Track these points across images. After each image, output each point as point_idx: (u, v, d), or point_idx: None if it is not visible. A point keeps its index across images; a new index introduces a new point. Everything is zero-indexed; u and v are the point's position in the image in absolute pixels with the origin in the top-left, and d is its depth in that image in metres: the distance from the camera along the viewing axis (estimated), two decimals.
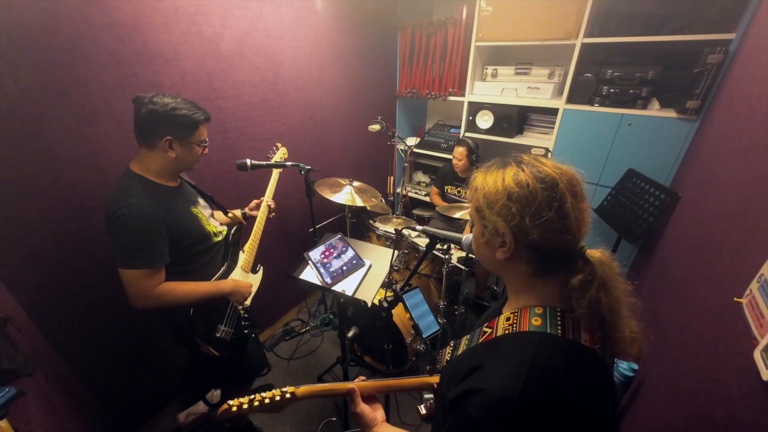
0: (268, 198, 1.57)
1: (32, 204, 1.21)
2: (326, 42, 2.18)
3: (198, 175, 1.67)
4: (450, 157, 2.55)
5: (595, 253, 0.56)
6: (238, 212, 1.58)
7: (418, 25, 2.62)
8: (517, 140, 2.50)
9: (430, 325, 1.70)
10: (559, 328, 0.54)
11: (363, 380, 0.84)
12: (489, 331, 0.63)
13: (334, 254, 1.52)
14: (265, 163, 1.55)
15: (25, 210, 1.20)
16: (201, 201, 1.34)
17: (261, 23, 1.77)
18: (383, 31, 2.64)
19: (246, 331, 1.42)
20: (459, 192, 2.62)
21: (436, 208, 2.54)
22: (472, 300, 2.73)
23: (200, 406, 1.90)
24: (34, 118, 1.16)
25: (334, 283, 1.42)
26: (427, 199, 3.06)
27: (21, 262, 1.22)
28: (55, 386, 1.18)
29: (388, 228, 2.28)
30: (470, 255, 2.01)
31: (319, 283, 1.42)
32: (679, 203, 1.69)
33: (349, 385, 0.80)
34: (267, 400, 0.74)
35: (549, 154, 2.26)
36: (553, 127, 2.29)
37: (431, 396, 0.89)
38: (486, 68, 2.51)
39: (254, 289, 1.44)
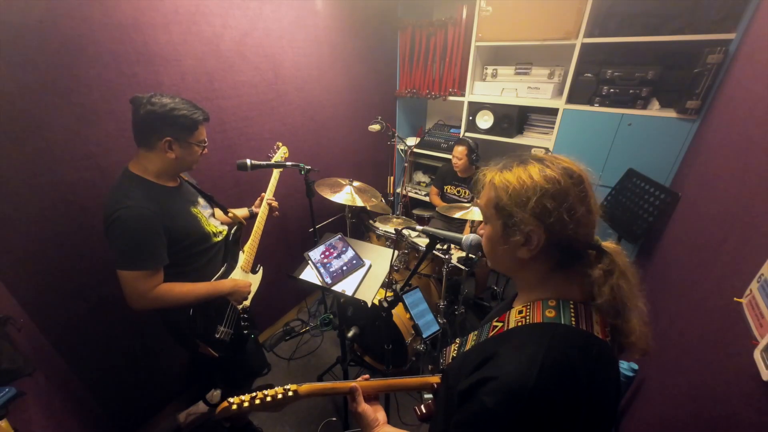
0: (268, 196, 1.57)
1: (32, 204, 1.21)
2: (326, 42, 2.18)
3: (198, 175, 1.67)
4: (450, 157, 2.55)
5: (608, 244, 0.57)
6: (244, 210, 1.58)
7: (418, 25, 2.62)
8: (517, 140, 2.50)
9: (430, 325, 1.70)
10: (573, 318, 0.55)
11: (366, 378, 0.84)
12: (500, 324, 0.63)
13: (334, 254, 1.52)
14: (265, 163, 1.55)
15: (25, 210, 1.20)
16: (201, 201, 1.34)
17: (261, 23, 1.77)
18: (383, 31, 2.64)
19: (245, 332, 1.42)
20: (458, 192, 2.62)
21: (436, 208, 2.54)
22: (472, 300, 2.73)
23: (200, 406, 1.90)
24: (34, 118, 1.15)
25: (334, 283, 1.42)
26: (427, 199, 3.07)
27: (21, 262, 1.22)
28: (55, 386, 1.18)
29: (388, 228, 2.28)
30: (470, 255, 2.01)
31: (319, 283, 1.42)
32: (679, 203, 1.69)
33: (351, 383, 0.80)
34: (269, 398, 0.73)
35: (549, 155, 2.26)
36: (553, 127, 2.29)
37: (431, 396, 0.89)
38: (486, 68, 2.51)
39: (254, 289, 1.44)
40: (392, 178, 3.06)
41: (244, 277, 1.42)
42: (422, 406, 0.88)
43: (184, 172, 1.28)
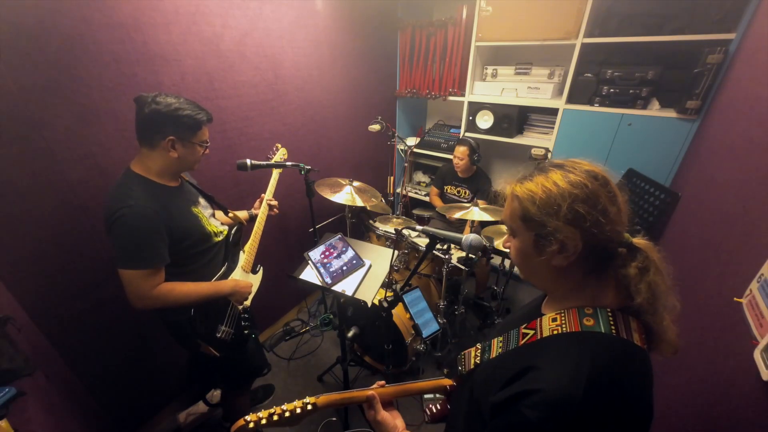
0: (268, 196, 1.57)
1: (32, 204, 1.21)
2: (326, 42, 2.18)
3: (198, 175, 1.67)
4: (450, 157, 2.55)
5: (640, 240, 0.56)
6: (244, 213, 1.58)
7: (418, 25, 2.62)
8: (517, 140, 2.50)
9: (430, 325, 1.70)
10: (612, 327, 0.53)
11: (382, 385, 0.82)
12: (531, 332, 0.61)
13: (334, 254, 1.52)
14: (265, 163, 1.55)
15: (25, 210, 1.20)
16: (201, 201, 1.34)
17: (261, 23, 1.77)
18: (383, 31, 2.64)
19: (246, 332, 1.42)
20: (458, 192, 2.62)
21: (436, 209, 2.54)
22: (472, 300, 2.73)
23: (200, 406, 1.90)
24: (34, 118, 1.15)
25: (334, 283, 1.42)
26: (427, 199, 3.07)
27: (21, 262, 1.22)
28: (55, 386, 1.18)
29: (388, 228, 2.28)
30: (470, 255, 2.01)
31: (319, 283, 1.42)
32: (679, 203, 1.69)
33: (369, 391, 0.78)
34: (287, 414, 0.70)
35: (549, 155, 2.26)
36: (553, 127, 2.29)
37: (431, 397, 0.89)
38: (486, 68, 2.51)
39: (254, 289, 1.44)
40: (392, 178, 3.06)
41: (244, 277, 1.42)
42: (432, 407, 0.87)
43: (185, 171, 1.28)
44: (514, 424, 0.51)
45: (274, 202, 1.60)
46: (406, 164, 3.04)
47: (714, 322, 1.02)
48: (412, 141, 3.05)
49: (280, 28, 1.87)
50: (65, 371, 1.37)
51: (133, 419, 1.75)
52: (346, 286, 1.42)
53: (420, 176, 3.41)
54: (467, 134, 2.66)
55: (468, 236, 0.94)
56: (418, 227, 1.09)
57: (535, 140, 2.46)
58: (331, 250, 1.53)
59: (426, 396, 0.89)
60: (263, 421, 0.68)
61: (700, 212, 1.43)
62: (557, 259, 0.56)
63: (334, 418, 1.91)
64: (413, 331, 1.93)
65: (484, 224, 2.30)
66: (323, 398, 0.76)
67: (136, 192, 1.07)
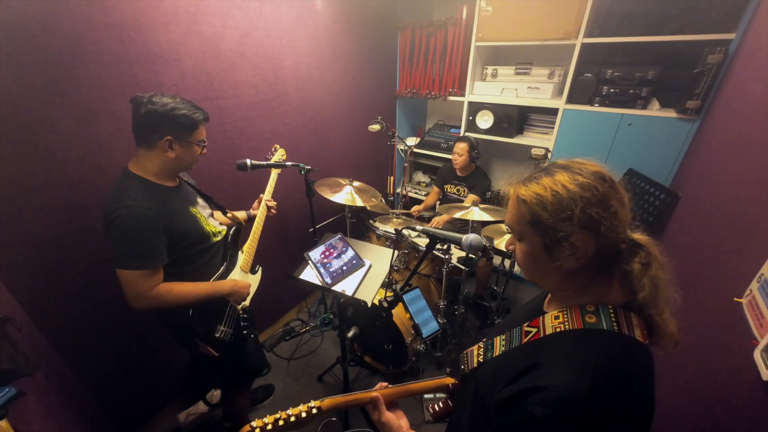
0: (267, 196, 1.57)
1: (32, 204, 1.21)
2: (326, 42, 2.18)
3: (198, 175, 1.67)
4: (450, 157, 2.55)
5: (640, 236, 0.57)
6: (243, 213, 1.58)
7: (418, 25, 2.62)
8: (517, 140, 2.50)
9: (430, 325, 1.70)
10: (615, 324, 0.54)
11: (385, 386, 0.82)
12: (534, 330, 0.61)
13: (334, 254, 1.52)
14: (265, 163, 1.55)
15: (24, 210, 1.20)
16: (200, 201, 1.34)
17: (261, 23, 1.77)
18: (383, 31, 2.64)
19: (245, 332, 1.41)
20: (458, 190, 2.62)
21: (436, 209, 2.54)
22: (472, 300, 2.73)
23: (200, 406, 1.90)
24: (34, 118, 1.15)
25: (334, 283, 1.42)
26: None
27: (21, 262, 1.22)
28: (55, 386, 1.18)
29: (388, 228, 2.28)
30: (470, 255, 2.01)
31: (319, 283, 1.42)
32: (679, 203, 1.69)
33: (373, 393, 0.79)
34: (292, 418, 0.70)
35: (549, 155, 2.26)
36: (553, 127, 2.29)
37: (431, 397, 0.89)
38: (486, 68, 2.51)
39: (253, 290, 1.44)
40: (392, 178, 3.06)
41: (243, 278, 1.42)
42: (435, 406, 0.88)
43: (183, 171, 1.28)
44: (520, 421, 0.51)
45: (273, 203, 1.60)
46: (406, 164, 3.04)
47: (714, 322, 1.02)
48: (412, 141, 3.05)
49: (280, 28, 1.87)
50: (65, 371, 1.37)
51: (133, 419, 1.75)
52: (346, 286, 1.42)
53: (420, 176, 3.41)
54: (467, 134, 2.66)
55: (468, 236, 0.94)
56: (418, 227, 1.09)
57: (535, 140, 2.46)
58: (331, 250, 1.53)
59: (426, 396, 0.89)
60: (269, 427, 0.68)
61: (700, 212, 1.43)
62: (569, 262, 0.55)
63: (334, 418, 1.91)
64: (413, 331, 1.93)
65: (484, 224, 2.30)
66: (328, 401, 0.76)
67: (133, 192, 1.07)
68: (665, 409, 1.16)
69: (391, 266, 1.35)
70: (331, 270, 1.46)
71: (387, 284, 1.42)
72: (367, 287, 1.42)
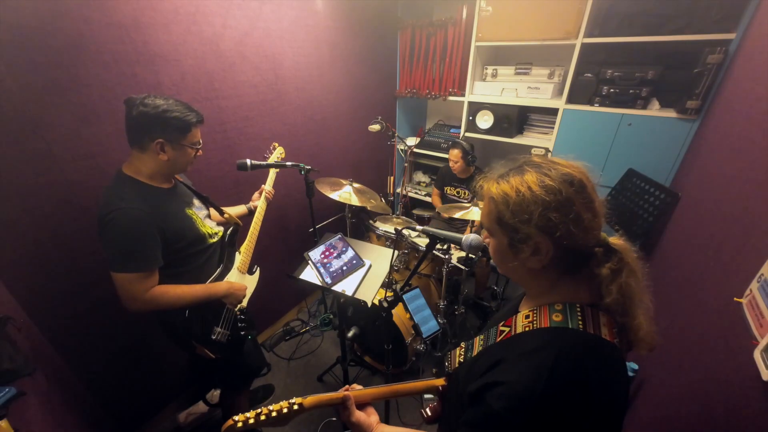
0: (268, 187, 1.57)
1: (32, 204, 1.21)
2: (326, 42, 2.18)
3: (198, 175, 1.67)
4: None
5: (616, 240, 0.57)
6: (242, 207, 1.57)
7: (418, 25, 2.62)
8: (517, 140, 2.50)
9: (430, 325, 1.70)
10: (580, 322, 0.54)
11: (358, 388, 0.82)
12: (507, 329, 0.62)
13: (334, 254, 1.52)
14: (265, 163, 1.55)
15: (24, 210, 1.20)
16: (196, 202, 1.33)
17: (261, 23, 1.77)
18: (383, 31, 2.64)
19: (242, 333, 1.41)
20: (458, 192, 2.62)
21: (436, 209, 2.54)
22: (472, 300, 2.73)
23: (200, 406, 1.90)
24: (34, 118, 1.15)
25: (334, 283, 1.42)
26: (427, 199, 3.07)
27: (21, 262, 1.22)
28: (55, 386, 1.18)
29: (388, 228, 2.28)
30: (470, 255, 2.01)
31: (319, 283, 1.42)
32: (679, 203, 1.69)
33: (341, 393, 0.79)
34: (274, 413, 0.72)
35: (549, 155, 2.26)
36: (553, 127, 2.29)
37: (431, 397, 0.89)
38: (486, 68, 2.51)
39: (250, 291, 1.44)
40: (392, 178, 3.06)
41: (240, 279, 1.41)
42: (428, 409, 0.88)
43: (177, 173, 1.27)
44: (480, 412, 0.53)
45: (271, 191, 1.60)
46: (406, 164, 3.04)
47: (714, 322, 1.02)
48: (412, 141, 3.05)
49: (280, 28, 1.87)
50: (65, 371, 1.37)
51: (133, 419, 1.75)
52: (346, 286, 1.42)
53: (420, 176, 3.41)
54: (467, 134, 2.66)
55: (468, 236, 0.94)
56: (418, 227, 1.09)
57: (535, 140, 2.46)
58: (331, 250, 1.53)
59: (426, 396, 0.89)
60: (251, 421, 0.70)
61: (700, 212, 1.43)
62: (531, 262, 0.57)
63: (334, 418, 1.91)
64: (413, 331, 1.93)
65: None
66: (311, 399, 0.77)
67: (127, 194, 1.06)
68: (665, 409, 1.16)
69: (391, 266, 1.35)
70: (331, 270, 1.46)
71: (387, 284, 1.42)
72: (367, 287, 1.42)
